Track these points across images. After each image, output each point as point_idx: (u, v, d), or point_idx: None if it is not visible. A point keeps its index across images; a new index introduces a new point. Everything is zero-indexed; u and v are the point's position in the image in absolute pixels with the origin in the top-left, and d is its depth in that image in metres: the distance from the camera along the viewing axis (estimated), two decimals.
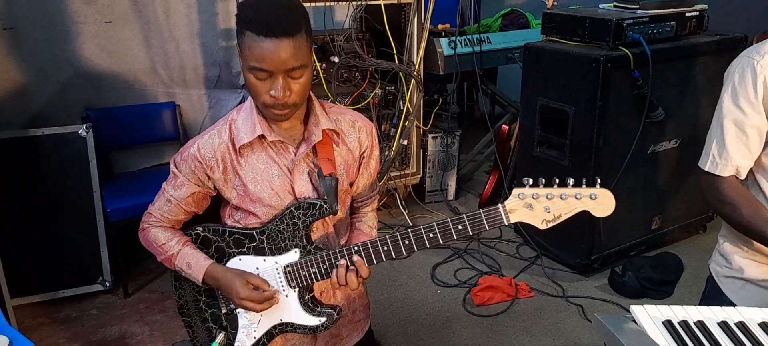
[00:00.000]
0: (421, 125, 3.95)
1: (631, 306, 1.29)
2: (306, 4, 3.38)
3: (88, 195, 3.07)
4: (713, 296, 1.73)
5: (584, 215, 1.32)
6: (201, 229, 1.57)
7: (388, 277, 3.32)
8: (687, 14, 3.18)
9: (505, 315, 3.00)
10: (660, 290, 3.15)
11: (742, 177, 1.59)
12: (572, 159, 3.14)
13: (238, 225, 1.55)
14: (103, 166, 3.26)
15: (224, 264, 1.55)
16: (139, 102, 3.68)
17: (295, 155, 1.49)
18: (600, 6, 3.32)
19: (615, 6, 3.27)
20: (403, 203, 4.03)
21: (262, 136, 1.46)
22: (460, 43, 3.94)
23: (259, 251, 1.52)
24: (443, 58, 3.89)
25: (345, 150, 1.55)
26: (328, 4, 3.50)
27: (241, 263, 1.54)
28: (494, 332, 2.87)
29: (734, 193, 1.56)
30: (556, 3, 3.43)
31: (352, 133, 1.56)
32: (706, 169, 1.60)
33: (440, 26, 4.27)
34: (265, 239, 1.51)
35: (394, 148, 3.75)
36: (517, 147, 3.72)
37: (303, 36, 1.33)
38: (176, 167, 1.54)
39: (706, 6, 3.26)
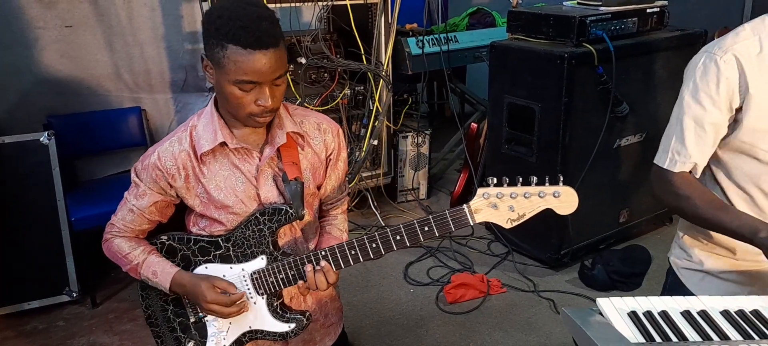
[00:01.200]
0: (391, 125, 3.96)
1: (597, 299, 1.30)
2: (272, 6, 3.35)
3: (51, 204, 3.00)
4: (674, 288, 1.74)
5: (549, 213, 1.33)
6: (166, 237, 1.55)
7: (361, 278, 3.32)
8: (648, 10, 3.24)
9: (477, 312, 3.02)
10: (629, 283, 3.20)
11: (698, 175, 1.58)
12: (539, 155, 3.18)
13: (204, 233, 1.54)
14: (67, 174, 3.19)
15: (191, 272, 1.53)
16: (104, 108, 3.62)
17: (260, 160, 1.47)
18: (564, 3, 3.36)
19: (578, 3, 3.31)
20: (375, 204, 4.03)
21: (223, 143, 1.44)
22: (428, 43, 3.95)
23: (225, 259, 1.51)
24: (411, 58, 3.90)
25: (310, 153, 1.54)
26: (294, 4, 3.48)
27: (208, 271, 1.52)
28: (467, 329, 2.89)
29: (688, 186, 1.55)
30: (520, 1, 3.46)
31: (318, 136, 1.56)
32: (665, 166, 1.58)
33: (408, 26, 4.28)
34: (230, 247, 1.49)
35: (364, 149, 3.75)
36: (486, 145, 3.75)
37: (283, 43, 1.35)
38: (137, 176, 1.51)
39: (666, 2, 3.33)
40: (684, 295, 1.39)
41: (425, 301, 3.13)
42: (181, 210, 1.59)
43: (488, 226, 3.78)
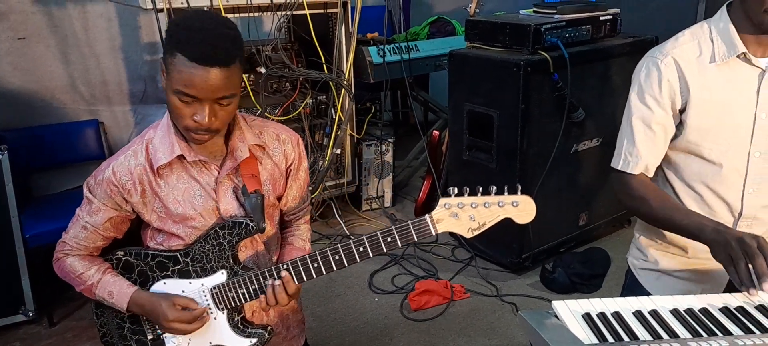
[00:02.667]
0: (354, 133, 3.96)
1: (553, 302, 1.33)
2: (230, 15, 3.33)
3: (5, 221, 2.90)
4: (632, 288, 1.80)
5: (509, 220, 1.36)
6: (122, 253, 1.52)
7: (326, 288, 3.31)
8: (601, 18, 3.32)
9: (441, 318, 3.04)
10: (589, 285, 3.27)
11: (651, 175, 1.65)
12: (499, 162, 3.22)
13: (161, 247, 1.51)
14: (22, 190, 3.11)
15: (148, 288, 1.51)
16: (60, 121, 3.54)
17: (219, 173, 1.46)
18: (520, 12, 3.42)
19: (534, 11, 3.38)
20: (340, 212, 4.02)
21: (181, 157, 1.42)
22: (389, 52, 3.98)
23: (184, 274, 1.49)
24: (372, 67, 3.92)
25: (270, 164, 1.54)
26: (253, 14, 3.46)
27: (166, 286, 1.50)
28: (431, 336, 2.91)
29: (643, 188, 1.61)
30: (478, 10, 3.51)
31: (277, 146, 1.55)
32: (619, 168, 1.65)
33: (369, 35, 4.30)
34: (189, 261, 1.47)
35: (327, 158, 3.74)
36: (448, 152, 3.79)
37: (237, 66, 1.32)
38: (90, 192, 1.47)
39: (618, 10, 3.42)
40: (641, 294, 1.43)
41: (390, 309, 3.14)
42: (137, 224, 1.57)
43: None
